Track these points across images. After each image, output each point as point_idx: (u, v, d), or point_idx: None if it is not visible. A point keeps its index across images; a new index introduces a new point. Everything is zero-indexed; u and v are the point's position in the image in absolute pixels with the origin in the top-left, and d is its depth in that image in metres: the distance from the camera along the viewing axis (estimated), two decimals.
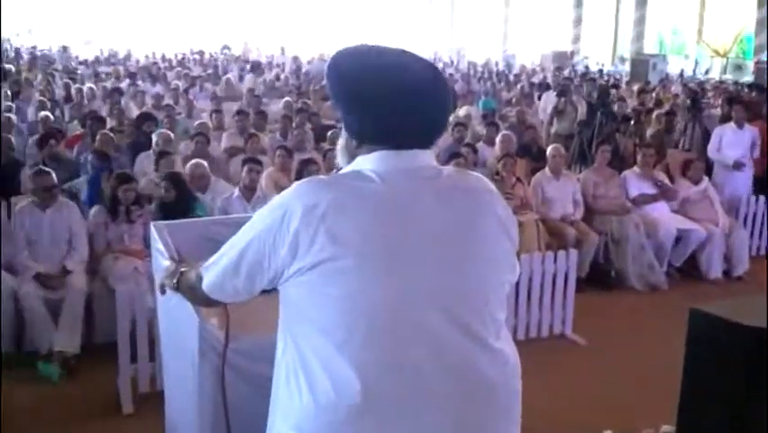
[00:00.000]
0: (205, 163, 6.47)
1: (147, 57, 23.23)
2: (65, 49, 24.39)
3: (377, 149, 1.67)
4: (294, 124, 9.06)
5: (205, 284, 1.82)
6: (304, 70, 20.51)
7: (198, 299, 1.94)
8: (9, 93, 12.18)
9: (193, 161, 6.53)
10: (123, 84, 14.32)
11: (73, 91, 12.17)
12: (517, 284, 5.47)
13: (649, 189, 7.29)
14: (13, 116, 9.31)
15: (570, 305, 5.63)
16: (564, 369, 5.06)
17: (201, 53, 24.87)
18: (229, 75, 17.69)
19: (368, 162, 1.67)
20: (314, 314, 1.61)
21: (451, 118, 10.74)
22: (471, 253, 1.67)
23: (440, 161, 6.73)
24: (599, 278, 6.78)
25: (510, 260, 1.77)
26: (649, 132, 10.18)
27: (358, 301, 1.57)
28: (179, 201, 5.56)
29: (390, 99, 1.64)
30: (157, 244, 2.60)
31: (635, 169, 7.47)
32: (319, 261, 1.58)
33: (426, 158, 1.71)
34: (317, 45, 27.39)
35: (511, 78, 20.28)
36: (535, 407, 4.44)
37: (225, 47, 27.33)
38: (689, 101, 10.96)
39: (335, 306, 1.58)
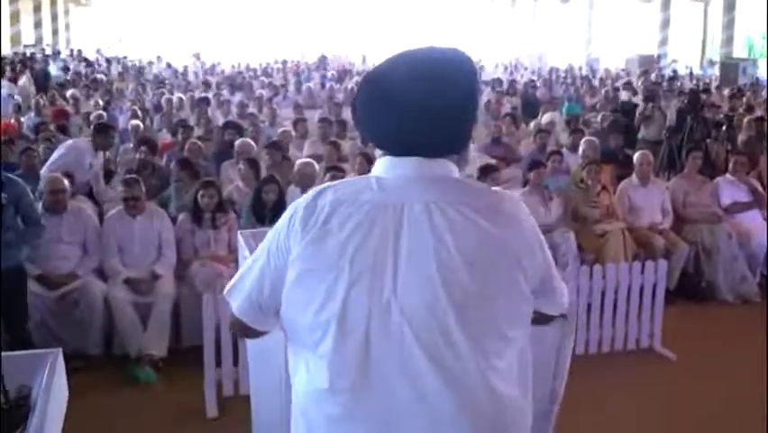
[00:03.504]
0: (316, 165, 6.54)
1: (233, 67, 23.73)
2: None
3: (386, 154, 1.66)
4: None
5: (236, 308, 1.76)
6: None
7: (236, 327, 1.83)
8: (101, 102, 12.63)
9: (305, 159, 6.66)
10: (210, 93, 14.67)
11: (163, 101, 12.53)
12: (603, 295, 5.34)
13: (742, 197, 7.01)
14: None
15: (658, 317, 5.44)
16: (652, 384, 4.90)
17: (284, 62, 25.26)
18: (310, 84, 17.92)
19: (377, 167, 1.67)
20: (293, 311, 1.63)
21: (532, 125, 10.63)
22: (453, 274, 1.54)
23: (522, 169, 6.57)
24: (689, 289, 6.54)
25: (515, 287, 1.60)
26: (741, 137, 9.81)
27: (329, 304, 1.56)
28: (275, 204, 5.67)
29: (380, 104, 1.61)
30: (244, 252, 2.63)
31: (728, 176, 7.20)
32: (300, 257, 1.60)
33: (433, 167, 1.62)
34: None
35: (595, 82, 19.86)
36: (622, 423, 4.36)
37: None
38: None
39: (310, 305, 1.58)
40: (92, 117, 10.22)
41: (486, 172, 6.38)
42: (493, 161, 7.74)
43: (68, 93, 13.71)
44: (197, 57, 26.03)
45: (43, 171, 6.57)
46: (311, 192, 1.68)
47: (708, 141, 9.34)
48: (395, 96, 1.60)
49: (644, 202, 6.79)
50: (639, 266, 5.43)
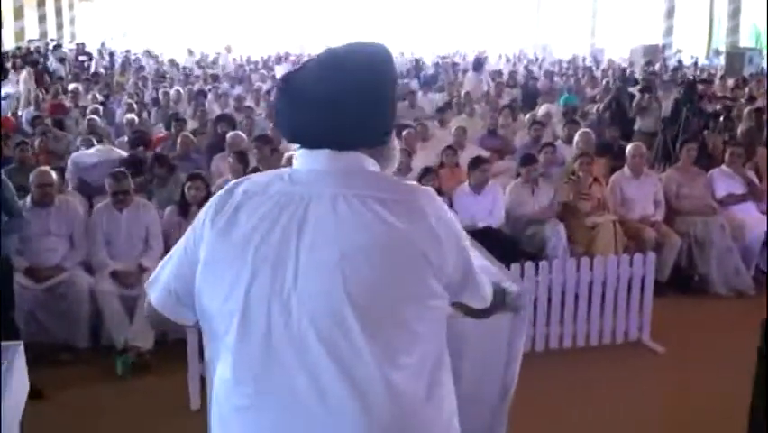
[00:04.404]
0: None
1: (234, 60, 23.69)
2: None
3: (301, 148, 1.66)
4: None
5: (154, 299, 1.73)
6: None
7: (155, 320, 1.79)
8: (99, 96, 12.64)
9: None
10: (208, 87, 14.63)
11: (160, 94, 12.52)
12: (590, 287, 5.31)
13: (737, 189, 6.96)
14: (99, 119, 9.62)
15: (647, 310, 5.41)
16: (639, 378, 4.88)
17: (287, 55, 25.17)
18: None
19: (294, 160, 1.68)
20: (204, 300, 1.62)
21: (527, 116, 10.56)
22: (355, 267, 1.52)
23: (516, 162, 6.49)
24: (682, 282, 6.50)
25: (421, 282, 1.57)
26: (741, 128, 9.73)
27: (233, 295, 1.56)
28: None
29: (291, 99, 1.63)
30: None
31: (723, 167, 7.14)
32: (209, 247, 1.61)
33: (343, 159, 1.62)
34: (401, 44, 27.31)
35: (598, 73, 19.71)
36: (609, 417, 4.33)
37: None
38: None
39: (217, 295, 1.59)
40: (88, 111, 10.22)
41: (476, 164, 6.36)
42: (487, 154, 7.72)
43: (70, 87, 13.70)
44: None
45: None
46: (229, 184, 1.68)
47: (705, 132, 9.27)
48: (303, 90, 1.61)
49: (636, 194, 6.75)
50: (627, 258, 5.40)
